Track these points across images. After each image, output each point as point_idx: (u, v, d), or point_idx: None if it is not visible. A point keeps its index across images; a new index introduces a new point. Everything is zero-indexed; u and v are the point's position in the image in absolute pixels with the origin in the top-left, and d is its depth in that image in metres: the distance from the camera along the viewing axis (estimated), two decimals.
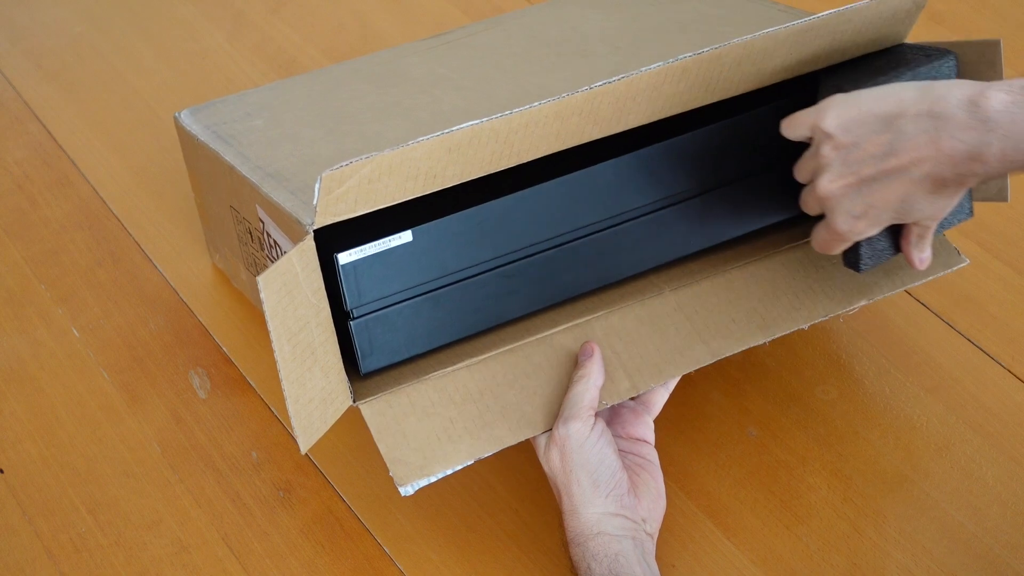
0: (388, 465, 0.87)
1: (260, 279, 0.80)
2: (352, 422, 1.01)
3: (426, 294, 0.90)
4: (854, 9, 0.90)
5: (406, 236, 0.88)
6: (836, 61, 0.95)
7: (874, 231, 0.87)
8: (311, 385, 0.86)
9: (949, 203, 0.85)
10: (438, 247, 0.89)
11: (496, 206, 0.90)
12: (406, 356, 0.91)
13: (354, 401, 0.89)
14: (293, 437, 1.02)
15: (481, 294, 0.91)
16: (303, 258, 0.84)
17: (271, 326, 0.81)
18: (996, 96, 0.80)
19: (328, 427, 0.87)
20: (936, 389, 1.02)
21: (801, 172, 0.89)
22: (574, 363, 0.92)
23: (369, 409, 0.89)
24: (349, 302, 0.88)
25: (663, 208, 0.95)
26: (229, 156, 1.00)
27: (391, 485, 0.98)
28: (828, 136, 0.85)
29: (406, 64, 1.11)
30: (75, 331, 1.11)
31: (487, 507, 0.96)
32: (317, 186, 0.81)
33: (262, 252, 0.99)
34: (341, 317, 0.89)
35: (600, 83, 0.86)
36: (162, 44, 1.40)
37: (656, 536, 0.90)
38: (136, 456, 1.01)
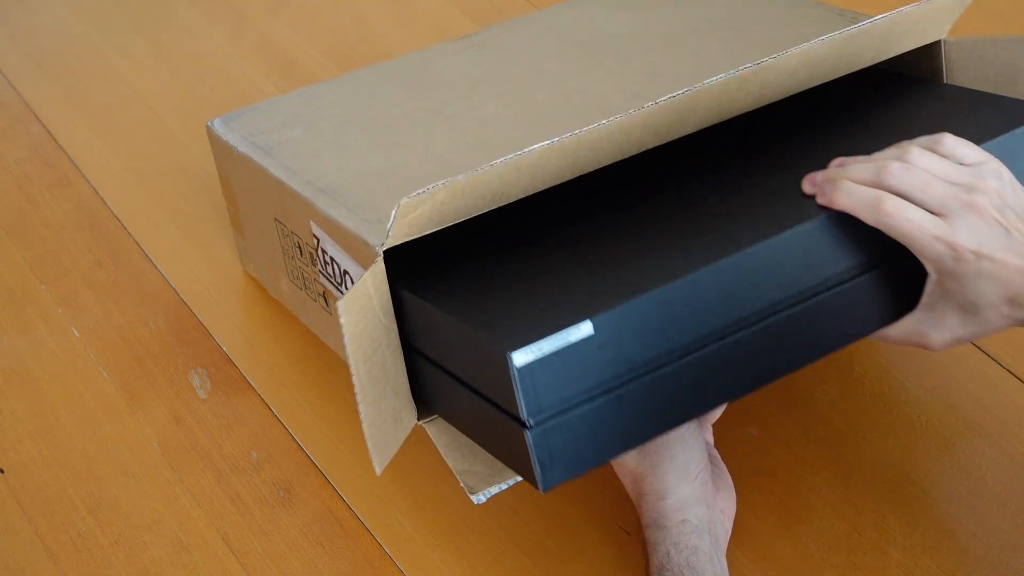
0: (458, 477, 0.87)
1: (340, 304, 0.78)
2: (354, 422, 1.01)
3: (609, 392, 0.77)
4: (905, 12, 0.91)
5: (586, 328, 0.76)
6: (882, 59, 0.95)
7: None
8: (384, 405, 0.85)
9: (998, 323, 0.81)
10: (621, 337, 0.77)
11: (684, 285, 0.78)
12: (590, 467, 0.78)
13: (419, 419, 0.89)
14: (296, 438, 1.02)
15: (671, 388, 0.79)
16: (375, 280, 0.83)
17: (350, 349, 0.80)
18: None
19: (399, 446, 0.86)
20: (936, 389, 1.02)
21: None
22: None
23: (434, 428, 0.88)
24: (526, 409, 0.75)
25: (865, 273, 0.84)
26: (274, 169, 0.98)
27: (391, 485, 0.98)
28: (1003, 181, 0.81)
29: (437, 68, 1.10)
30: (75, 331, 1.11)
31: (487, 507, 0.96)
32: (394, 212, 0.79)
33: (313, 267, 0.97)
34: (406, 347, 0.87)
35: (665, 98, 0.85)
36: (162, 45, 1.40)
37: (730, 533, 0.90)
38: (136, 456, 1.01)
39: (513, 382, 0.74)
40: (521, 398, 0.75)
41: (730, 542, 0.92)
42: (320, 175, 0.96)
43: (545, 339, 0.75)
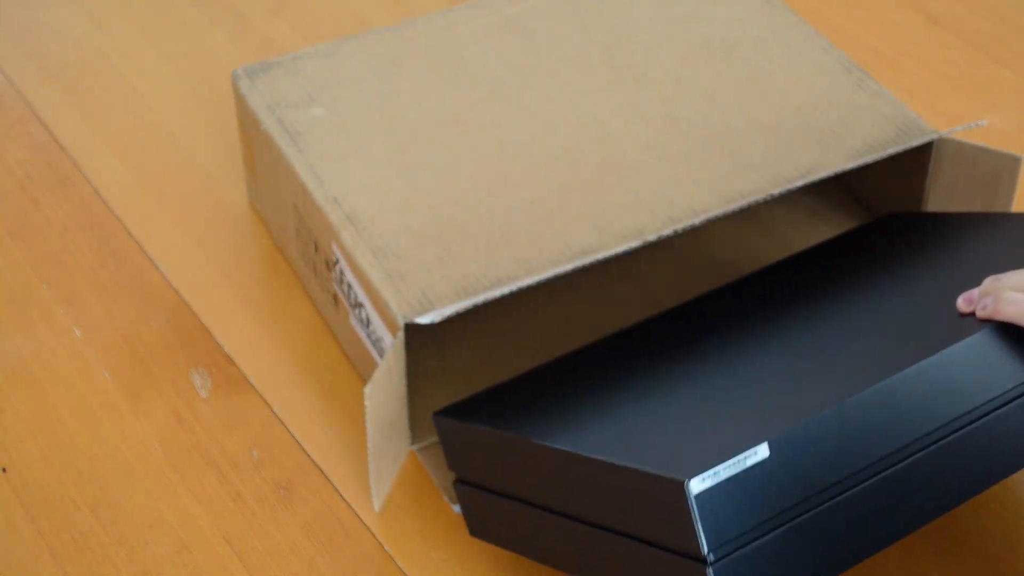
0: (443, 492, 0.92)
1: (367, 392, 0.83)
2: (354, 420, 1.02)
3: (789, 522, 0.72)
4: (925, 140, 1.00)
5: (762, 451, 0.71)
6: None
7: None
8: (388, 452, 0.89)
9: None
10: (797, 460, 0.72)
11: (858, 403, 0.74)
12: None
13: (412, 444, 0.94)
14: (296, 438, 1.02)
15: (851, 517, 0.74)
16: (396, 353, 0.87)
17: (370, 429, 0.84)
18: None
19: (395, 476, 0.92)
20: None
21: None
22: None
23: (424, 455, 0.93)
24: (707, 544, 0.69)
25: None
26: (301, 170, 1.01)
27: (391, 485, 0.98)
28: None
29: (459, 42, 1.12)
30: (77, 331, 1.11)
31: None
32: (423, 320, 0.86)
33: (328, 273, 1.00)
34: (472, 486, 0.88)
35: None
36: (164, 45, 1.40)
37: None
38: (137, 455, 1.01)
39: (691, 513, 0.69)
40: (700, 530, 0.69)
41: None
42: (344, 190, 0.99)
43: (722, 464, 0.69)
